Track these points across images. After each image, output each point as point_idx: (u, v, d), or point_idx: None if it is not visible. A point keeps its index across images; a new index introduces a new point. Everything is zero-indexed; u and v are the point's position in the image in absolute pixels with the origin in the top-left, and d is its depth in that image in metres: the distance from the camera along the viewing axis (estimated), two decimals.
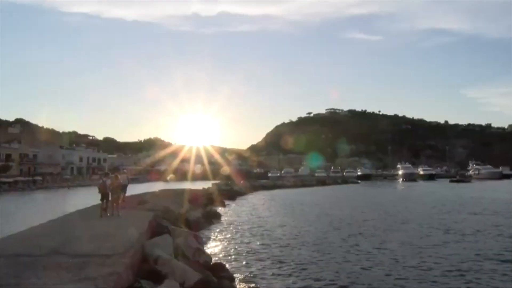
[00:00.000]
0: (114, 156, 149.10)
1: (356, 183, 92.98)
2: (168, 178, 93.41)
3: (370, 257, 13.67)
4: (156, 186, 48.70)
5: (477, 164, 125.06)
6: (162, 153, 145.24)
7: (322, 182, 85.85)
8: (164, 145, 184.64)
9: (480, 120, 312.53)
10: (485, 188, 60.60)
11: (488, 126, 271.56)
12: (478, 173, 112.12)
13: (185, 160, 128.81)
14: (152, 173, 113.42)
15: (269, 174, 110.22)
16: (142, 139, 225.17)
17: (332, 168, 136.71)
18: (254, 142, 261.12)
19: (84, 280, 5.94)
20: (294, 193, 56.59)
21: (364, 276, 11.39)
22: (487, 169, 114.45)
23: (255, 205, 36.07)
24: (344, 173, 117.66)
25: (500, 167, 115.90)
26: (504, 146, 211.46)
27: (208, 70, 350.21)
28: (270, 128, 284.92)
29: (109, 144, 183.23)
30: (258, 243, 16.72)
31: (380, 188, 70.81)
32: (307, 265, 12.79)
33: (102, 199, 14.36)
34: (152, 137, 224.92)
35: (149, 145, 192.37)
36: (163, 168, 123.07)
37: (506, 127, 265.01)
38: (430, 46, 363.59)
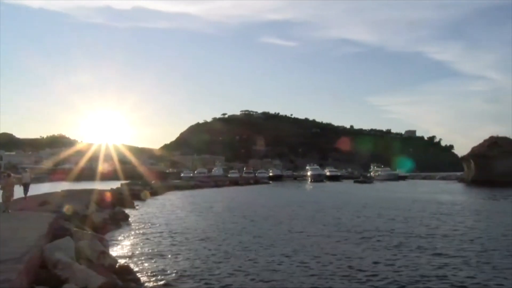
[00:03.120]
0: (12, 153, 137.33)
1: (268, 184, 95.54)
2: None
3: (275, 254, 14.22)
4: (60, 186, 45.77)
5: (378, 167, 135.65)
6: (68, 151, 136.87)
7: (234, 183, 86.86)
8: (70, 143, 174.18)
9: (381, 125, 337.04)
10: (383, 188, 65.67)
11: (388, 131, 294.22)
12: (379, 175, 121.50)
13: (93, 159, 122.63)
14: (56, 172, 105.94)
15: (182, 174, 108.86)
16: (44, 135, 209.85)
17: (245, 168, 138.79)
18: (168, 142, 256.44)
19: None
20: (206, 193, 56.57)
21: (269, 273, 11.81)
22: (386, 171, 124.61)
23: (166, 205, 35.46)
24: (256, 174, 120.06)
25: (397, 169, 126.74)
26: (401, 150, 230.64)
27: (120, 66, 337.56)
28: (184, 128, 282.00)
29: (6, 140, 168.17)
30: (167, 244, 16.51)
31: (286, 188, 73.36)
32: (216, 264, 12.93)
33: None
34: (56, 134, 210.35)
35: (52, 143, 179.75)
36: (69, 167, 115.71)
37: (403, 132, 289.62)
38: (340, 55, 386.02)
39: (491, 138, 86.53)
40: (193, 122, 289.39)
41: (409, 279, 11.15)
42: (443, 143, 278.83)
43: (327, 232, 19.47)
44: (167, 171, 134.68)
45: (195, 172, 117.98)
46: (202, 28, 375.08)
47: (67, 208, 17.83)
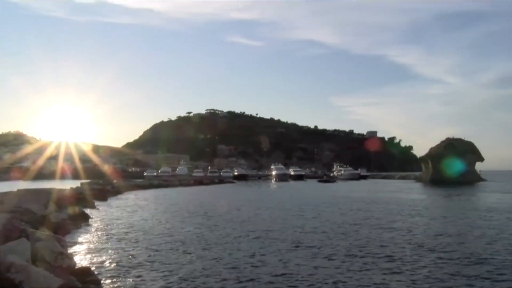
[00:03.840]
0: None
1: (232, 183, 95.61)
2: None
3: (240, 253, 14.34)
4: (17, 185, 44.11)
5: (340, 166, 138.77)
6: (26, 149, 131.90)
7: (199, 182, 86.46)
8: (27, 140, 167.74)
9: (344, 126, 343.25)
10: (345, 187, 67.15)
11: (351, 132, 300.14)
12: (341, 174, 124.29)
13: (52, 157, 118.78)
14: (12, 171, 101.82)
15: (145, 173, 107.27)
16: None
17: (209, 168, 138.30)
18: (131, 140, 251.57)
19: None
20: (170, 192, 56.02)
21: (232, 274, 11.91)
22: (348, 170, 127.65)
23: (128, 205, 34.89)
24: (221, 173, 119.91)
25: (359, 169, 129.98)
26: (363, 150, 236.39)
27: (81, 61, 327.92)
28: (148, 126, 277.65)
29: None
30: (128, 245, 16.30)
31: (250, 188, 73.67)
32: (178, 265, 12.89)
33: None
34: (12, 131, 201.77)
35: (8, 140, 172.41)
36: (26, 165, 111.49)
37: (365, 133, 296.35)
38: (305, 55, 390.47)
39: (447, 139, 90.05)
40: (157, 120, 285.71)
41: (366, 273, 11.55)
42: (402, 144, 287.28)
43: (287, 231, 19.77)
44: (130, 170, 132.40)
45: (159, 171, 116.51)
46: (166, 24, 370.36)
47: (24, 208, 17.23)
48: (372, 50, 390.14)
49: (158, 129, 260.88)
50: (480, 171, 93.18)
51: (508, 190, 55.57)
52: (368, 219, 24.49)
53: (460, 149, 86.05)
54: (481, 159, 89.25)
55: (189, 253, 14.69)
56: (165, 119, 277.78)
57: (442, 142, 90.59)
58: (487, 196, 46.62)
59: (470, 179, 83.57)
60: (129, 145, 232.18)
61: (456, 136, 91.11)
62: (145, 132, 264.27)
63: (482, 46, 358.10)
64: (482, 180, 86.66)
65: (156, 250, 15.12)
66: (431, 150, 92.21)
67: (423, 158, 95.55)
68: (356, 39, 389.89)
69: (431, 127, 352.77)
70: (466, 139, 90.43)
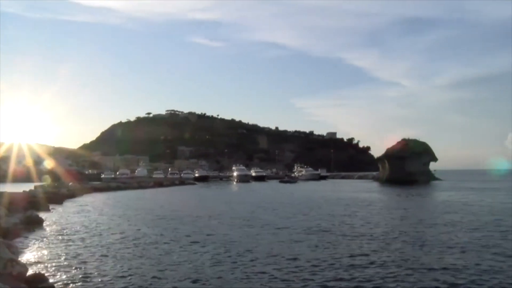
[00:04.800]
0: None
1: (193, 184, 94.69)
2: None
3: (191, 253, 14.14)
4: None
5: (301, 167, 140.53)
6: None
7: (159, 184, 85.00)
8: None
9: (305, 127, 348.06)
10: (306, 187, 68.07)
11: (311, 133, 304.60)
12: (302, 175, 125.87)
13: (4, 160, 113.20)
14: None
15: (103, 176, 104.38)
16: None
17: (170, 169, 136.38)
18: (87, 141, 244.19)
19: None
20: (129, 195, 54.72)
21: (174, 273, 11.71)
22: (308, 171, 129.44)
23: (84, 208, 33.74)
24: (182, 175, 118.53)
25: (319, 170, 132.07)
26: (323, 151, 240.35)
27: (36, 59, 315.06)
28: (105, 126, 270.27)
29: None
30: (83, 249, 15.69)
31: (211, 189, 73.29)
32: (133, 269, 12.54)
33: None
34: None
35: None
36: None
37: (325, 134, 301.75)
38: (266, 57, 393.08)
39: (403, 140, 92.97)
40: (115, 120, 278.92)
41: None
42: (361, 145, 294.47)
43: (248, 231, 19.73)
44: (87, 172, 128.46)
45: (117, 173, 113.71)
46: (126, 23, 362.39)
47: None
48: (331, 53, 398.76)
49: (116, 130, 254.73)
50: (434, 170, 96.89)
51: (460, 188, 58.53)
52: (326, 218, 24.84)
53: (415, 149, 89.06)
54: (435, 159, 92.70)
55: (144, 257, 14.33)
56: (124, 120, 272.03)
57: (398, 142, 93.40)
58: (440, 194, 48.50)
59: (425, 178, 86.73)
60: (85, 146, 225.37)
61: (412, 137, 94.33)
62: (103, 133, 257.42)
63: (436, 50, 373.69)
64: (436, 179, 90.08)
65: (111, 255, 14.61)
66: (388, 150, 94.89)
67: (380, 158, 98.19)
68: (316, 42, 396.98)
69: (388, 128, 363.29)
70: (421, 139, 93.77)
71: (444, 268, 12.16)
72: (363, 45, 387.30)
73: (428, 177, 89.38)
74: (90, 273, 11.94)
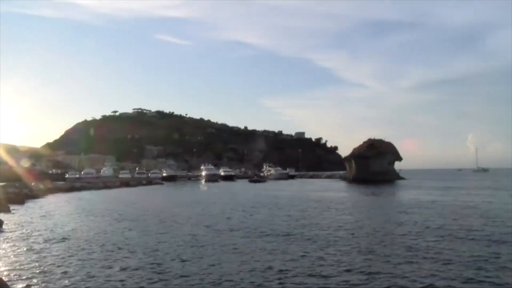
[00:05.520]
0: None
1: (161, 184, 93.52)
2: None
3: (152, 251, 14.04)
4: None
5: (270, 166, 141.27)
6: None
7: (125, 184, 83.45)
8: None
9: (274, 127, 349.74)
10: (275, 187, 68.51)
11: (280, 133, 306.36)
12: (270, 174, 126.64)
13: None
14: None
15: (67, 175, 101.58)
16: None
17: (137, 169, 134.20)
18: (51, 140, 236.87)
19: None
20: (94, 195, 53.49)
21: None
22: (277, 170, 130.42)
23: (46, 209, 32.74)
24: (149, 174, 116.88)
25: (288, 169, 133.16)
26: (292, 150, 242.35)
27: None
28: (70, 125, 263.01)
29: None
30: (44, 252, 15.25)
31: (179, 189, 72.67)
32: (95, 271, 12.34)
33: None
34: None
35: None
36: None
37: (293, 134, 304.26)
38: (234, 56, 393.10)
39: (369, 140, 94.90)
40: (80, 119, 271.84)
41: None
42: (328, 144, 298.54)
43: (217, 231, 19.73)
44: (50, 171, 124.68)
45: (82, 172, 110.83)
46: (92, 20, 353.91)
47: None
48: (300, 54, 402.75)
49: (81, 128, 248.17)
50: (400, 170, 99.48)
51: (423, 187, 60.48)
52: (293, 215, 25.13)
53: (380, 149, 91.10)
54: (399, 158, 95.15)
55: (109, 260, 14.12)
56: (89, 118, 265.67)
57: (364, 142, 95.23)
58: (402, 193, 49.85)
59: (390, 177, 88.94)
60: (49, 145, 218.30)
61: (377, 137, 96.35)
62: (67, 132, 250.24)
63: (401, 53, 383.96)
64: (401, 178, 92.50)
65: (74, 259, 14.26)
66: (354, 150, 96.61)
67: (347, 158, 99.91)
68: (284, 42, 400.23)
69: (355, 128, 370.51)
70: (386, 140, 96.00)
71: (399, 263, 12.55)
72: (331, 47, 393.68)
73: (393, 176, 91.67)
74: (49, 277, 11.65)
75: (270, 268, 12.29)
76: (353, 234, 18.59)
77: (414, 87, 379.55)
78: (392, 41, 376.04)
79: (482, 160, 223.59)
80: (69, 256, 14.36)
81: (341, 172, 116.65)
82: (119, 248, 15.70)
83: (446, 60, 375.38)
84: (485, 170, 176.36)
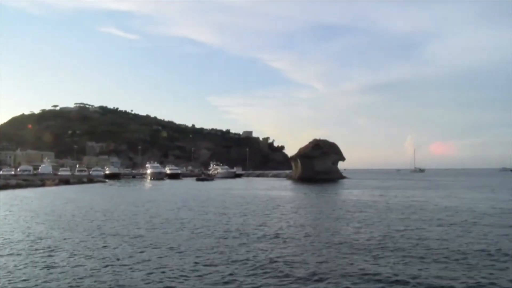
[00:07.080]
0: None
1: (103, 182, 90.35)
2: None
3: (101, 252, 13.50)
4: None
5: (217, 165, 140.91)
6: None
7: (65, 181, 79.86)
8: None
9: (221, 126, 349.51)
10: (223, 185, 68.26)
11: (228, 131, 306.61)
12: (218, 173, 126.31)
13: None
14: None
15: (0, 172, 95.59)
16: None
17: (78, 166, 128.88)
18: None
19: None
20: (29, 193, 50.63)
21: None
22: (224, 169, 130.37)
23: None
24: (91, 172, 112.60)
25: (235, 168, 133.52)
26: (239, 149, 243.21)
27: None
28: (5, 119, 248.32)
29: None
30: None
31: (122, 187, 70.65)
32: (46, 274, 11.64)
33: None
34: None
35: None
36: None
37: (241, 133, 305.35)
38: (182, 53, 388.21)
39: (314, 140, 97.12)
40: (16, 113, 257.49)
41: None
42: (276, 144, 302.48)
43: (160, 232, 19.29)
44: None
45: (18, 169, 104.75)
46: (29, 7, 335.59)
47: None
48: (248, 53, 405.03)
49: (17, 123, 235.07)
50: (344, 169, 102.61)
51: (365, 186, 62.81)
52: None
53: (325, 149, 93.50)
54: (343, 158, 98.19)
55: (40, 266, 13.37)
56: (27, 112, 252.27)
57: (310, 142, 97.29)
58: (344, 192, 51.39)
59: (333, 176, 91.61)
60: None
61: (322, 137, 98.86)
62: (2, 126, 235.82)
63: (345, 57, 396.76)
64: (344, 177, 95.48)
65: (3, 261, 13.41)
66: (300, 150, 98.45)
67: (293, 158, 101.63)
68: (234, 41, 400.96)
69: (301, 128, 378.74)
70: (330, 140, 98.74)
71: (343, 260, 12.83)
72: (279, 47, 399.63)
73: (337, 176, 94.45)
74: None
75: (217, 271, 12.14)
76: (302, 232, 18.79)
77: (357, 90, 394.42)
78: (338, 44, 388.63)
79: (419, 161, 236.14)
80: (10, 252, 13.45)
81: (287, 171, 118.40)
82: (54, 251, 14.91)
83: (388, 65, 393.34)
84: (421, 170, 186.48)
